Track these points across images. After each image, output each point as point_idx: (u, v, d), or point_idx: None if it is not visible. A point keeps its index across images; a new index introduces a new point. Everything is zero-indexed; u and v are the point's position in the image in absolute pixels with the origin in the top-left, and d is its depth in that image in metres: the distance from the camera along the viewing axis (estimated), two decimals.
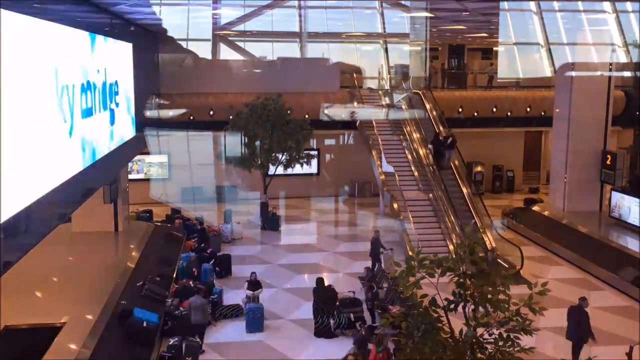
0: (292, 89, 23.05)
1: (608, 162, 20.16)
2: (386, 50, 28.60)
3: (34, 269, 12.98)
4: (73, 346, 10.18)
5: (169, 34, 22.62)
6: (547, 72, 29.53)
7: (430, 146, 21.43)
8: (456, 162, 20.94)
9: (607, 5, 30.29)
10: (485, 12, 28.29)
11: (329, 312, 12.90)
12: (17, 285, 11.57)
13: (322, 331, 12.81)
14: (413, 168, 21.52)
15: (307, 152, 21.86)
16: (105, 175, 13.59)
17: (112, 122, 12.46)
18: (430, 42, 27.80)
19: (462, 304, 6.70)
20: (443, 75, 28.99)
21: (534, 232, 20.08)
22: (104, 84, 11.65)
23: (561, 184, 21.23)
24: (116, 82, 12.77)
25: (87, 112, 10.30)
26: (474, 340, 6.55)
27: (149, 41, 20.22)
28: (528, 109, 25.67)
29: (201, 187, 24.77)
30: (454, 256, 6.76)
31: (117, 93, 12.88)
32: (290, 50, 28.45)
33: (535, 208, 21.94)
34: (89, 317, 11.29)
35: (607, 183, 20.28)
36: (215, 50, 27.42)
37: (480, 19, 28.96)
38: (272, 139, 20.58)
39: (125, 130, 13.93)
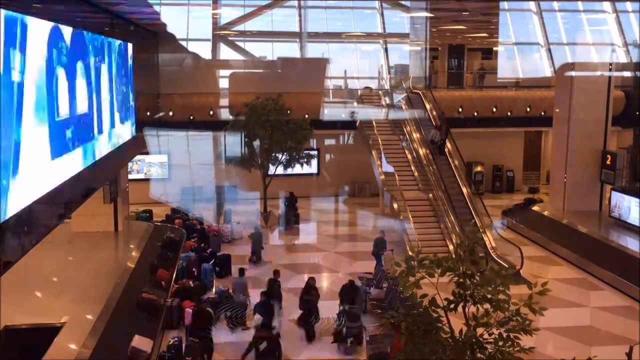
0: (289, 89, 23.07)
1: (608, 162, 20.16)
2: (386, 50, 28.61)
3: (34, 269, 12.99)
4: (73, 346, 10.19)
5: (169, 34, 22.61)
6: (547, 72, 29.53)
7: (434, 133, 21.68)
8: (456, 163, 20.94)
9: (607, 5, 30.28)
10: (485, 12, 28.29)
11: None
12: (17, 285, 11.57)
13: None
14: (413, 168, 21.54)
15: (307, 152, 21.86)
16: (105, 175, 13.59)
17: None
18: (430, 42, 27.80)
19: (462, 304, 6.69)
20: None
21: (534, 232, 20.08)
22: None
23: (561, 184, 21.23)
24: None
25: None
26: (474, 340, 6.54)
27: (149, 41, 20.22)
28: (528, 109, 25.67)
29: (201, 187, 24.77)
30: (454, 256, 6.75)
31: None
32: (290, 50, 28.45)
33: (535, 208, 21.93)
34: (89, 317, 11.30)
35: (607, 183, 20.27)
36: (215, 50, 27.41)
37: (480, 19, 28.96)
38: (272, 139, 20.58)
39: None
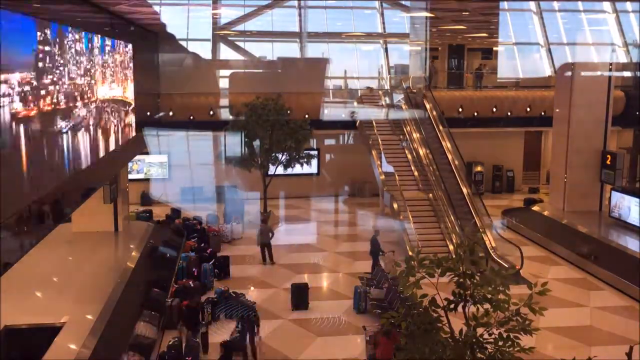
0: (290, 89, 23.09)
1: (608, 162, 20.16)
2: (386, 50, 28.61)
3: (34, 269, 13.00)
4: (73, 346, 10.19)
5: (169, 34, 22.63)
6: (547, 72, 29.54)
7: None
8: (456, 163, 20.93)
9: (607, 5, 30.30)
10: (485, 12, 28.31)
11: None
12: (17, 285, 11.58)
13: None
14: (413, 168, 21.54)
15: (307, 152, 21.85)
16: (105, 175, 13.60)
17: None
18: (430, 42, 27.81)
19: (462, 304, 6.69)
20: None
21: (534, 232, 20.08)
22: None
23: (561, 184, 21.23)
24: None
25: None
26: (474, 340, 6.55)
27: (149, 41, 20.23)
28: (528, 109, 25.68)
29: (201, 187, 24.77)
30: (454, 256, 6.75)
31: None
32: (290, 50, 28.46)
33: (535, 208, 21.93)
34: (89, 317, 11.30)
35: (607, 183, 20.28)
36: (215, 50, 27.42)
37: (480, 19, 28.97)
38: (272, 139, 20.58)
39: None
